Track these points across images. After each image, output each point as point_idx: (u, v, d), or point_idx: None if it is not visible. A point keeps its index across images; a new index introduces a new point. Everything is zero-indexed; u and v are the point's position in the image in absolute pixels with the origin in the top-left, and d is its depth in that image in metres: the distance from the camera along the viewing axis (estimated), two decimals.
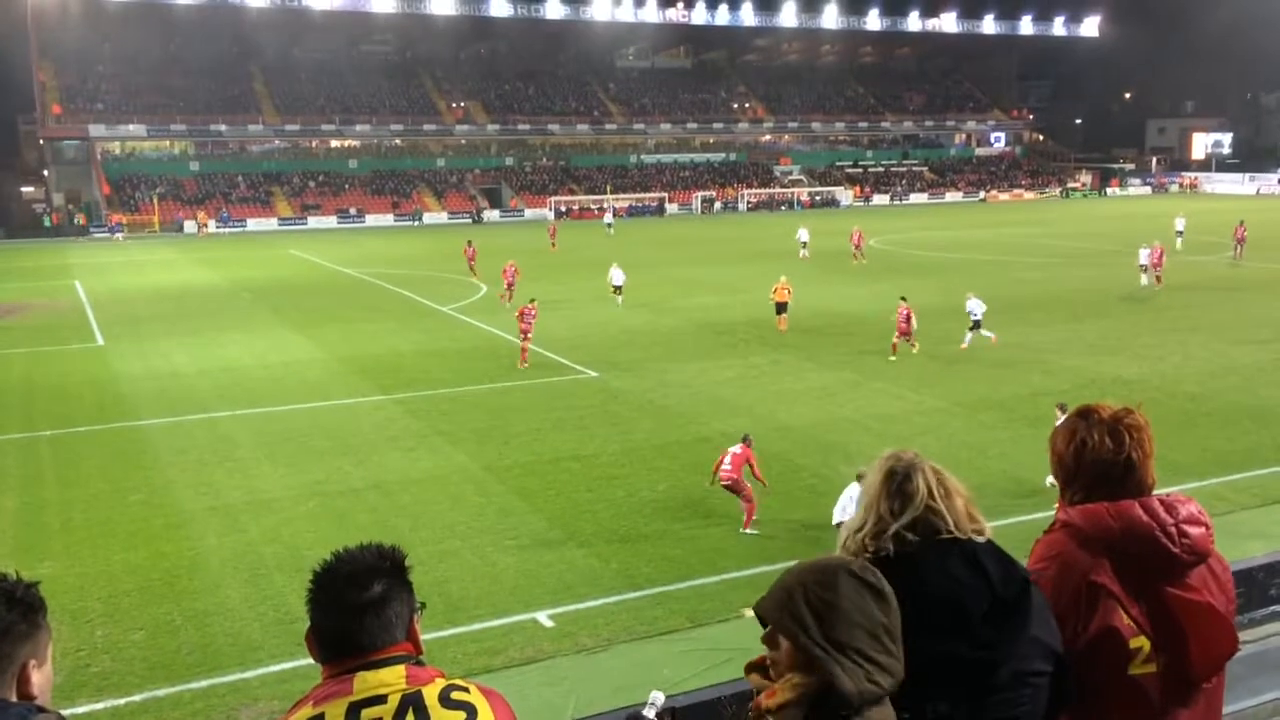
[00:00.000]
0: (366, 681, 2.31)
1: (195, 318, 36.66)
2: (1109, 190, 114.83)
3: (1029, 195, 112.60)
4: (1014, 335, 30.10)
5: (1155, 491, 2.79)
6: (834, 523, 13.41)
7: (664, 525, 15.49)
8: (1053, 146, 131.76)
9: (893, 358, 26.74)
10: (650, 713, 8.82)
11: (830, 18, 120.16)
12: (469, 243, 48.39)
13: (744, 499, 15.11)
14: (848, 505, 14.10)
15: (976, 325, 28.46)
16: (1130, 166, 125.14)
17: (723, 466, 15.06)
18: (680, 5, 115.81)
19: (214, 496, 17.13)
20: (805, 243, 53.93)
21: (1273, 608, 11.72)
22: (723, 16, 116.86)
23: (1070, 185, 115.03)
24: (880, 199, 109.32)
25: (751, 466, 15.17)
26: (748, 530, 15.02)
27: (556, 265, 50.26)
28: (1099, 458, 2.78)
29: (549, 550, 14.56)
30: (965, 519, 2.54)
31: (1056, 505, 2.96)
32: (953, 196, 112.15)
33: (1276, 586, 12.36)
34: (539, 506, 16.35)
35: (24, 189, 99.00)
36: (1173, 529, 2.66)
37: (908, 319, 27.22)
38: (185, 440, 20.68)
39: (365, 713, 2.28)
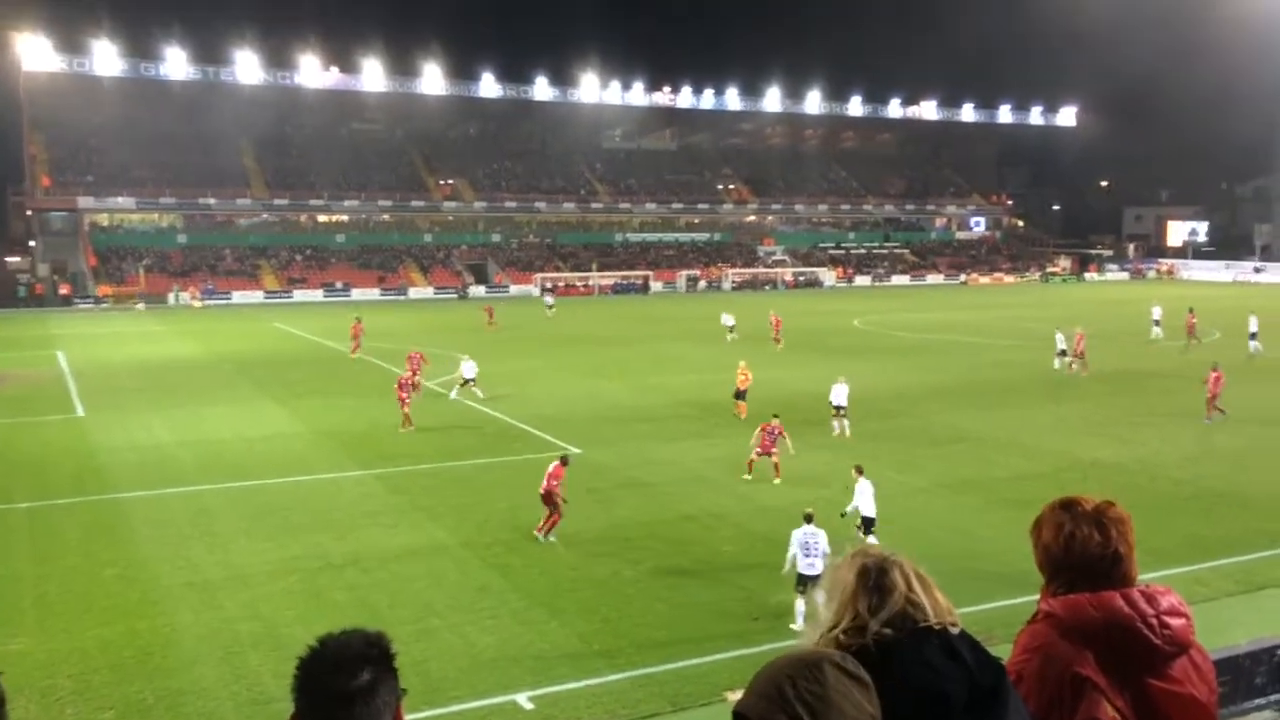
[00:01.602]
0: None
1: (177, 390, 36.51)
2: (1087, 275, 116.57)
3: (1009, 279, 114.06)
4: (995, 417, 30.28)
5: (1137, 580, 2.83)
6: (783, 571, 14.95)
7: (646, 605, 15.36)
8: (1032, 231, 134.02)
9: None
10: None
11: (813, 103, 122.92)
12: (358, 319, 47.60)
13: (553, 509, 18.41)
14: (797, 554, 14.94)
15: (840, 410, 27.76)
16: (1108, 252, 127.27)
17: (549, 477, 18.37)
18: (666, 89, 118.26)
19: (192, 571, 16.91)
20: (731, 326, 52.91)
21: (1258, 700, 11.65)
22: (708, 101, 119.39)
23: (1050, 270, 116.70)
24: (863, 280, 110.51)
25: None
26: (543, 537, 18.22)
27: (514, 340, 50.39)
28: (1087, 551, 2.82)
29: (529, 629, 14.40)
30: (945, 609, 2.56)
31: (1039, 595, 2.98)
32: (934, 279, 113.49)
33: (1262, 675, 12.33)
34: (519, 585, 16.20)
35: (9, 259, 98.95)
36: (1154, 620, 2.69)
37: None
38: (164, 513, 20.47)
39: None
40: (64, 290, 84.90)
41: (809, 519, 15.33)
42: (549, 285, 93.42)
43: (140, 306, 79.31)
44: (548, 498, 18.49)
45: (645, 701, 12.30)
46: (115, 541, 18.63)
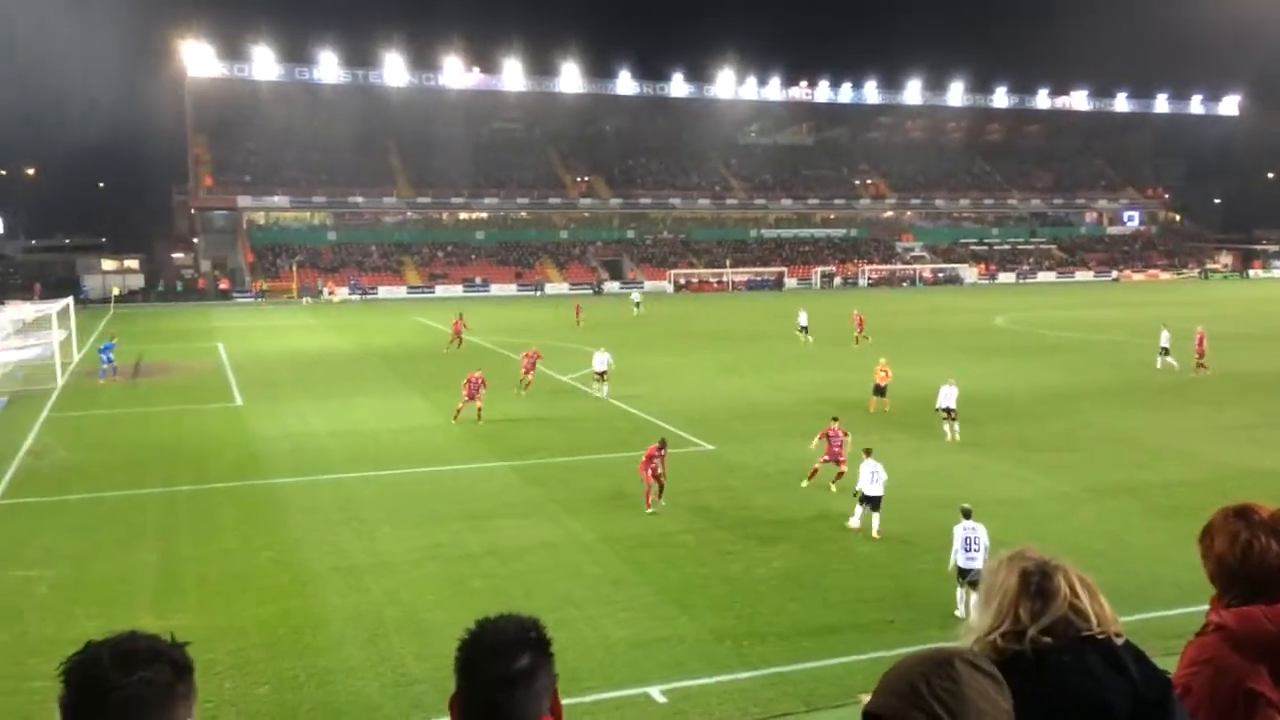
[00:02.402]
0: None
1: (328, 381, 38.08)
2: (1251, 272, 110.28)
3: (1165, 276, 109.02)
4: (1148, 420, 28.99)
5: None
6: (948, 567, 14.97)
7: (779, 603, 15.26)
8: (1190, 226, 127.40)
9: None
10: None
11: (956, 96, 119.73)
12: (460, 315, 50.26)
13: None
14: (959, 549, 14.91)
15: (949, 414, 26.62)
16: (1275, 248, 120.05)
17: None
18: (804, 84, 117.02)
19: (339, 556, 17.61)
20: (805, 327, 50.33)
21: None
22: (846, 95, 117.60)
23: (1209, 266, 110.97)
24: (1006, 277, 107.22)
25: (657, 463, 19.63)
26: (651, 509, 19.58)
27: (647, 337, 50.50)
28: (1265, 561, 2.70)
29: (662, 624, 14.47)
30: (1109, 618, 2.50)
31: (1208, 607, 2.86)
32: (1083, 275, 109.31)
33: None
34: (652, 579, 16.30)
35: (174, 255, 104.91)
36: None
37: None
38: (314, 499, 21.37)
39: None
40: (223, 285, 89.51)
41: (968, 514, 15.22)
42: (682, 282, 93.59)
43: (306, 301, 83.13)
44: (652, 475, 19.98)
45: (777, 700, 12.22)
46: (269, 525, 19.54)
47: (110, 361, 39.07)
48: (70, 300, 50.04)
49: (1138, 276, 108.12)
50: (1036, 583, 2.50)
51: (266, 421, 30.27)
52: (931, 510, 20.10)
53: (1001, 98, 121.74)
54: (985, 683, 2.13)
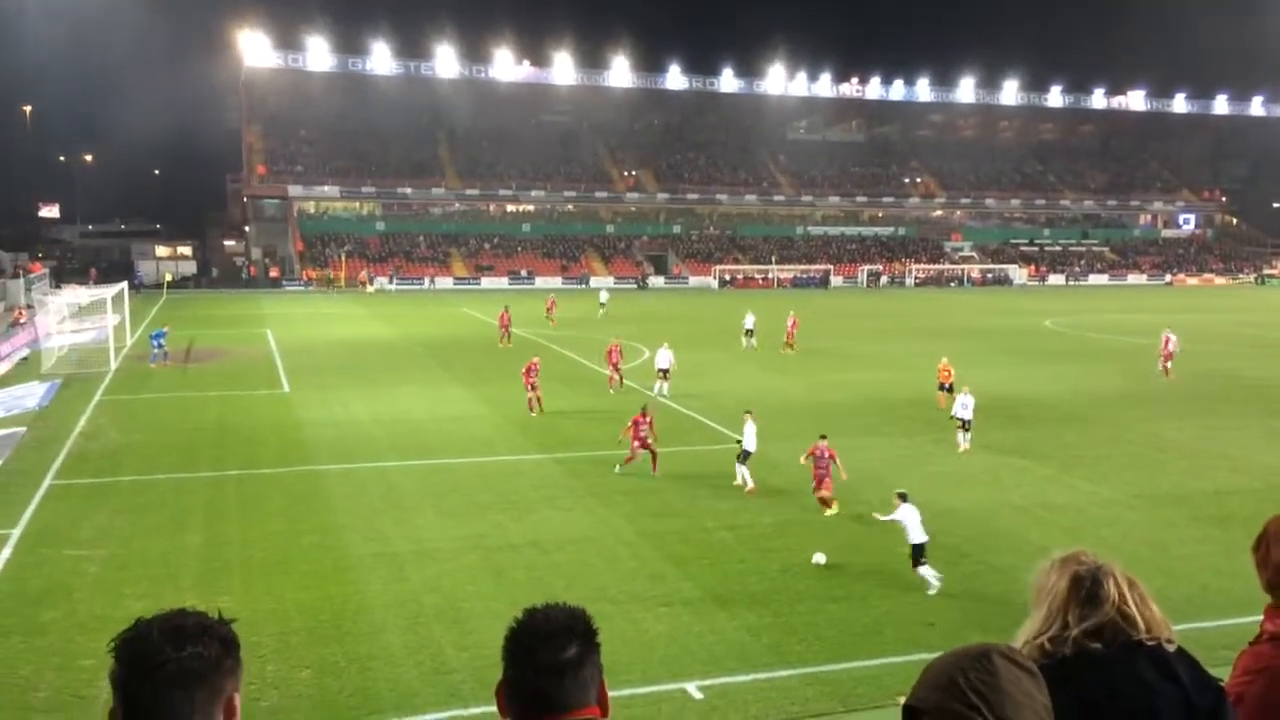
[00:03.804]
0: None
1: (373, 369, 38.48)
2: None
3: (1220, 280, 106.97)
4: (1199, 427, 28.47)
5: None
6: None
7: (817, 603, 15.19)
8: (1248, 230, 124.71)
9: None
10: None
11: (1009, 94, 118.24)
12: (505, 309, 48.44)
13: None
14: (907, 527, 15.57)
15: (965, 424, 25.43)
16: None
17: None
18: (854, 80, 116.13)
19: (381, 543, 17.79)
20: (750, 330, 46.24)
21: None
22: (897, 92, 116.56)
23: (1267, 272, 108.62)
24: (1056, 278, 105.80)
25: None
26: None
27: (690, 334, 50.37)
28: None
29: (699, 620, 14.47)
30: (1160, 624, 2.47)
31: (1263, 616, 2.81)
32: (1135, 279, 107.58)
33: None
34: (691, 575, 16.29)
35: (226, 243, 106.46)
36: None
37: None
38: (358, 486, 21.61)
39: None
40: (274, 273, 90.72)
41: (904, 497, 16.05)
42: (727, 278, 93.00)
43: (371, 289, 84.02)
44: (641, 444, 21.58)
45: (815, 700, 12.18)
46: (314, 511, 19.79)
47: (161, 347, 39.77)
48: (124, 285, 50.98)
49: (1192, 281, 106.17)
50: (1088, 588, 2.48)
51: (313, 408, 30.65)
52: (977, 514, 19.91)
53: (1056, 97, 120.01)
54: (1022, 676, 2.13)
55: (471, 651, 13.14)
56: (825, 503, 19.57)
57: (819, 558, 16.59)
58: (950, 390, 30.21)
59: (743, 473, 21.35)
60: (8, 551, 17.24)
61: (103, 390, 33.89)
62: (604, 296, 64.37)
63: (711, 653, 13.38)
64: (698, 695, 12.22)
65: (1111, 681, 2.36)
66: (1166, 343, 37.83)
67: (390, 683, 12.44)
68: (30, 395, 32.52)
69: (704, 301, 73.22)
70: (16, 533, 18.28)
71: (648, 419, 22.44)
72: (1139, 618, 2.44)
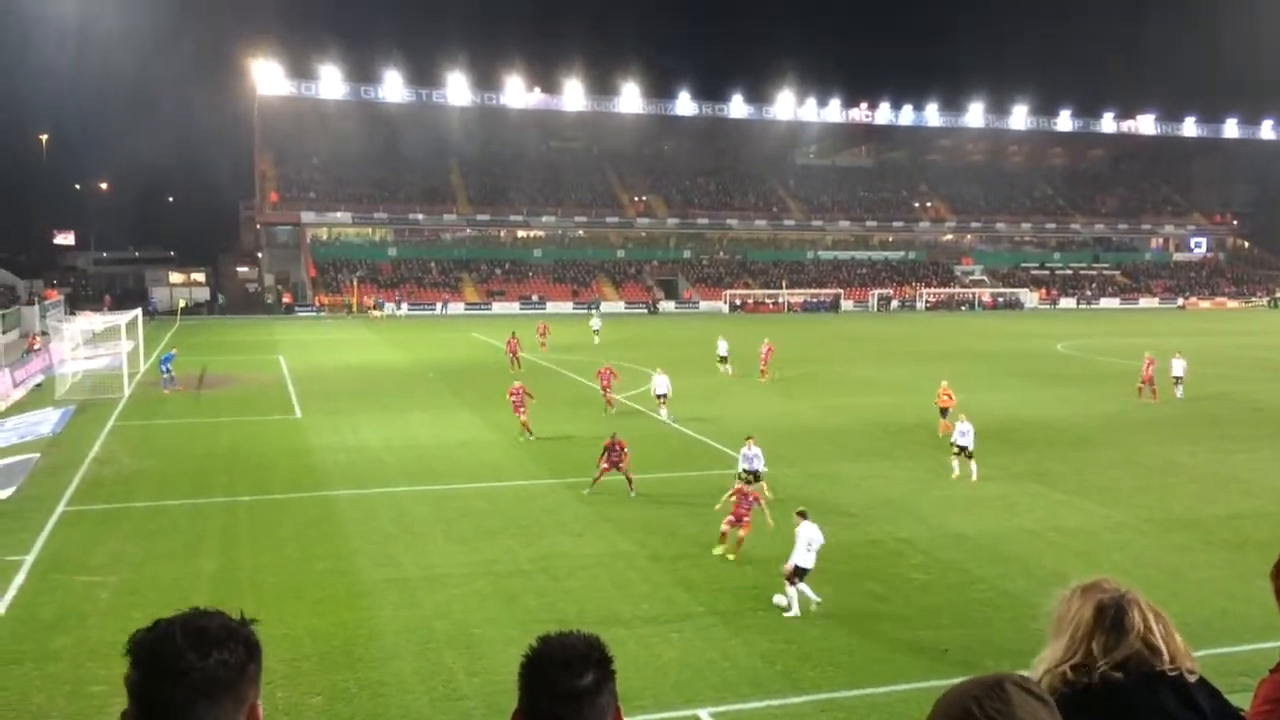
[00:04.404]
0: None
1: (384, 395, 38.59)
2: None
3: (1233, 304, 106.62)
4: (1211, 451, 28.34)
5: None
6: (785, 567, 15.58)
7: (830, 628, 15.12)
8: (1259, 253, 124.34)
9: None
10: None
11: (1019, 119, 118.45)
12: (513, 334, 48.62)
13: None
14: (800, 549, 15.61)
15: (963, 451, 24.81)
16: None
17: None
18: (864, 106, 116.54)
19: (393, 569, 17.80)
20: (725, 356, 45.33)
21: None
22: (906, 117, 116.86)
23: (1278, 295, 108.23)
24: (1068, 302, 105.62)
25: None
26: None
27: (700, 357, 50.41)
28: None
29: (711, 646, 14.42)
30: (1183, 655, 2.47)
31: None
32: (1147, 302, 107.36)
33: None
34: (703, 600, 16.24)
35: (240, 269, 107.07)
36: None
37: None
38: (369, 512, 21.64)
39: None
40: (286, 299, 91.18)
41: (804, 515, 16.13)
42: (738, 303, 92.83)
43: (378, 315, 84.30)
44: (609, 465, 22.46)
45: None
46: (325, 536, 19.81)
47: (169, 372, 39.92)
48: (139, 312, 51.25)
49: (1204, 304, 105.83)
50: (1112, 616, 2.48)
51: (324, 434, 30.73)
52: (988, 539, 19.83)
53: (1065, 121, 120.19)
54: (1037, 705, 2.13)
55: (483, 677, 13.12)
56: (724, 538, 18.39)
57: (780, 600, 15.85)
58: (946, 416, 29.90)
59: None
60: (21, 578, 17.29)
61: (116, 416, 34.04)
62: (596, 324, 62.49)
63: (724, 679, 13.33)
64: None
65: (1132, 711, 2.36)
66: (1148, 365, 37.63)
67: (402, 709, 12.42)
68: (44, 421, 32.68)
69: (713, 327, 73.12)
70: (30, 559, 18.33)
71: (618, 445, 22.97)
72: (1164, 648, 2.45)
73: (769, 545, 19.18)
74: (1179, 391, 37.54)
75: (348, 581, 17.12)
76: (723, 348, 45.93)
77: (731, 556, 18.10)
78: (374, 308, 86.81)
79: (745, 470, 22.69)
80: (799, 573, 15.66)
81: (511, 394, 30.40)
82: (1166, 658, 2.45)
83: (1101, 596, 2.54)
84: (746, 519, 18.22)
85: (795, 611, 15.48)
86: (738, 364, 45.00)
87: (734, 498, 18.54)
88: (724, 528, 18.40)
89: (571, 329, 63.01)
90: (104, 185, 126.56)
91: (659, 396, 33.39)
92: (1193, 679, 2.46)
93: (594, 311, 73.63)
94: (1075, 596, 2.58)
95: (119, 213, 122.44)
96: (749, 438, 23.40)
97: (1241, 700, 2.77)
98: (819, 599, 15.67)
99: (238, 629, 2.15)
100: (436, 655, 14.01)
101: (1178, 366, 37.98)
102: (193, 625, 2.10)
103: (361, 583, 17.07)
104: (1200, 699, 2.41)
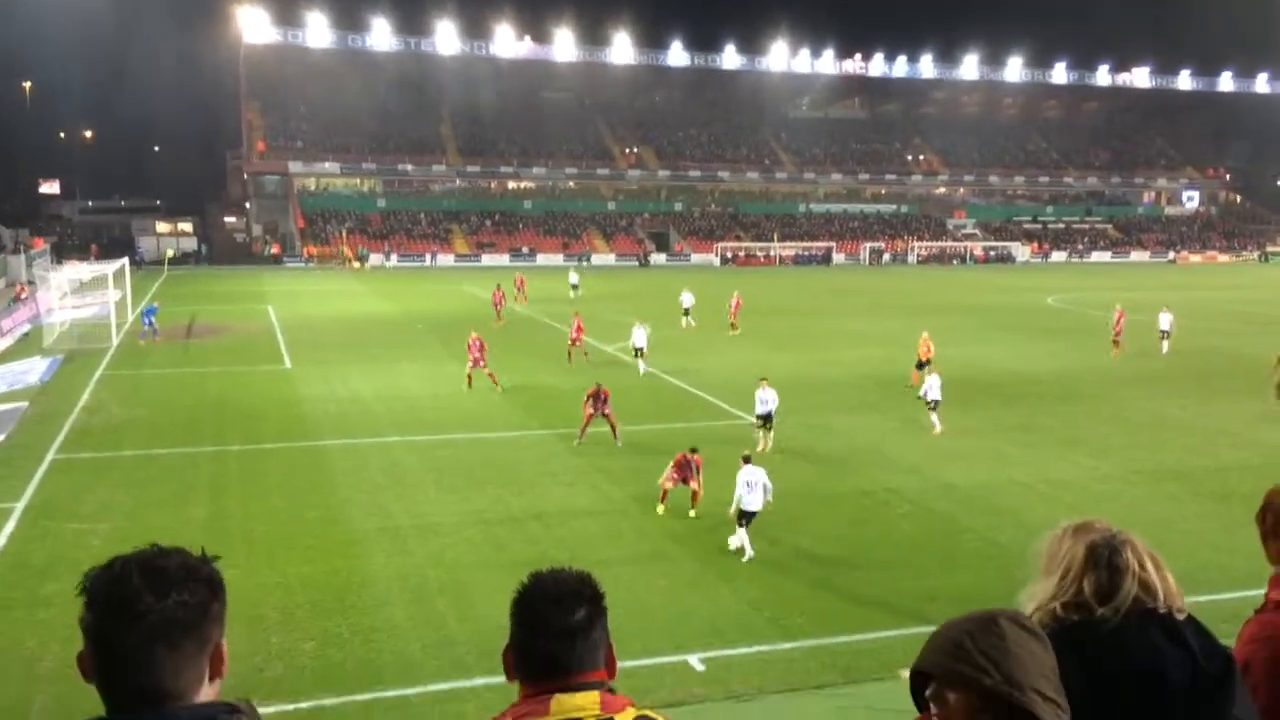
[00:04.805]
0: (563, 704, 2.37)
1: (373, 346, 38.47)
2: None
3: (1223, 258, 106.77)
4: (1200, 404, 28.50)
5: None
6: (730, 510, 15.88)
7: (820, 575, 15.23)
8: (1251, 208, 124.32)
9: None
10: None
11: (1014, 71, 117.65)
12: (498, 286, 48.28)
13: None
14: (741, 494, 15.79)
15: (934, 406, 24.76)
16: None
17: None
18: (857, 57, 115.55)
19: (384, 517, 17.83)
20: (689, 308, 45.14)
21: None
22: (900, 69, 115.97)
23: (1271, 249, 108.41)
24: (1059, 256, 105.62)
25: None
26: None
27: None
28: None
29: (701, 594, 14.52)
30: (1175, 593, 2.49)
31: (1268, 586, 2.82)
32: (1138, 256, 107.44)
33: None
34: (692, 549, 16.33)
35: (227, 219, 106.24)
36: None
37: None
38: (359, 462, 21.64)
39: None
40: (275, 250, 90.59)
41: (748, 460, 16.26)
42: (728, 255, 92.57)
43: (363, 268, 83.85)
44: (594, 411, 22.72)
45: (817, 671, 12.23)
46: (316, 486, 19.82)
47: (151, 324, 39.64)
48: (125, 261, 50.85)
49: (1195, 258, 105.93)
50: (1105, 557, 2.49)
51: (314, 384, 30.66)
52: (978, 490, 19.95)
53: (1060, 74, 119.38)
54: (1029, 639, 2.16)
55: (474, 624, 13.19)
56: (665, 496, 18.02)
57: (733, 541, 15.99)
58: (925, 368, 29.87)
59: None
60: (11, 525, 17.29)
61: (104, 365, 33.90)
62: (574, 278, 60.91)
63: (714, 625, 13.43)
64: (699, 667, 12.27)
65: (1122, 647, 2.38)
66: (1119, 317, 37.69)
67: (394, 655, 12.49)
68: (32, 370, 32.53)
69: (703, 279, 73.01)
70: (20, 506, 18.32)
71: (603, 394, 23.05)
72: (1158, 586, 2.47)
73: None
74: (1164, 346, 37.64)
75: (339, 530, 17.15)
76: (687, 300, 45.77)
77: (693, 514, 17.73)
78: (357, 259, 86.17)
79: (759, 415, 22.86)
80: (744, 515, 15.87)
81: (471, 346, 29.91)
82: (1160, 596, 2.45)
83: (1094, 537, 2.56)
84: (693, 479, 17.74)
85: (751, 554, 15.66)
86: (704, 318, 44.73)
87: (675, 471, 17.95)
88: (666, 485, 17.97)
89: (560, 282, 62.68)
90: (89, 134, 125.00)
91: (637, 350, 33.28)
92: (1181, 617, 2.47)
93: (573, 266, 72.55)
94: (1066, 536, 2.60)
95: (105, 162, 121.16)
96: (762, 379, 23.30)
97: (1228, 643, 2.77)
98: (753, 553, 15.68)
99: (198, 567, 2.04)
100: (429, 602, 14.08)
101: (1164, 320, 38.07)
102: (150, 565, 1.99)
103: (353, 531, 17.10)
104: (1189, 636, 2.44)
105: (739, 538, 15.88)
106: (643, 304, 50.45)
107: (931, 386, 24.94)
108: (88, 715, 1.99)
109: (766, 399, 22.79)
